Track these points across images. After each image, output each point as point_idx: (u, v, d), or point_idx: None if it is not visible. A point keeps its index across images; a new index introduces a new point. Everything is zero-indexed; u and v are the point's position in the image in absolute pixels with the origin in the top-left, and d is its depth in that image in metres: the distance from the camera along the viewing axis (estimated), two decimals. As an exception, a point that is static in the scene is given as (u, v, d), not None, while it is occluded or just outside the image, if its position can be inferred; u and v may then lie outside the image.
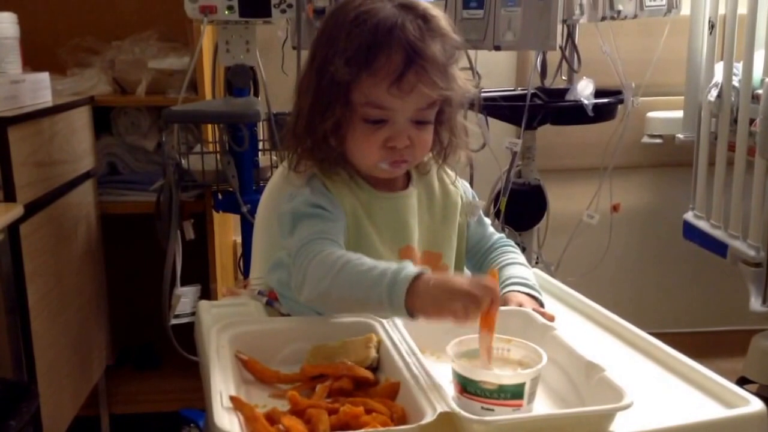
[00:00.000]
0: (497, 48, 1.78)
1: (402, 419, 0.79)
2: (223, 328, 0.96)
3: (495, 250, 1.24)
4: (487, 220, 1.29)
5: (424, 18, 1.06)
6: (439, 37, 1.06)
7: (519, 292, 1.11)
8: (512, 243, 1.27)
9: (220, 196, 2.03)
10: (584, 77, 1.99)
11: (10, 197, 1.57)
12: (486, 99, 1.93)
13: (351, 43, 1.05)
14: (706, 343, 2.52)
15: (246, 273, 1.81)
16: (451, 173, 1.23)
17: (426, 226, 1.18)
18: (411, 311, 0.91)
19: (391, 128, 1.08)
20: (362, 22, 1.05)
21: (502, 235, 1.29)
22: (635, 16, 1.96)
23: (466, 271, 1.27)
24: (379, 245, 1.12)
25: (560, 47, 1.98)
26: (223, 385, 0.83)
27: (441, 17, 1.09)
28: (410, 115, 1.08)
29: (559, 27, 1.81)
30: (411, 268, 0.93)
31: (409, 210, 1.16)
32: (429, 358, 0.94)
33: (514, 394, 0.80)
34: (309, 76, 1.11)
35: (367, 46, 1.04)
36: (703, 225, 2.22)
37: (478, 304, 0.85)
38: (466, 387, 0.82)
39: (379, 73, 1.04)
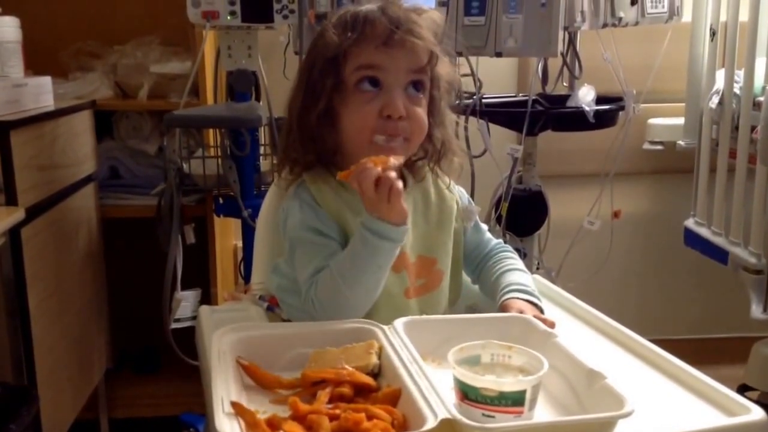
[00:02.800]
0: (498, 54, 1.79)
1: (403, 426, 0.79)
2: (225, 334, 0.96)
3: (493, 257, 1.24)
4: (485, 226, 1.28)
5: (405, 8, 1.12)
6: (423, 13, 1.13)
7: (519, 299, 1.11)
8: (510, 248, 1.27)
9: (221, 201, 2.03)
10: (585, 84, 1.99)
11: (12, 201, 1.58)
12: (487, 105, 1.94)
13: (338, 23, 1.11)
14: (707, 350, 2.52)
15: (246, 277, 1.82)
16: (446, 179, 1.23)
17: (420, 231, 1.18)
18: (396, 222, 1.02)
19: (385, 96, 1.09)
20: (346, 14, 1.12)
21: (500, 240, 1.28)
22: (636, 23, 1.96)
23: (465, 278, 1.27)
24: None
25: (561, 54, 1.97)
26: (224, 391, 0.83)
27: (424, 6, 1.15)
28: (402, 79, 1.10)
29: (561, 34, 1.81)
30: (363, 218, 1.03)
31: None
32: (430, 365, 0.94)
33: (515, 401, 0.80)
34: (299, 81, 1.16)
35: (353, 20, 1.10)
36: (704, 232, 2.21)
37: (388, 177, 0.99)
38: (467, 394, 0.82)
39: (368, 38, 1.09)
